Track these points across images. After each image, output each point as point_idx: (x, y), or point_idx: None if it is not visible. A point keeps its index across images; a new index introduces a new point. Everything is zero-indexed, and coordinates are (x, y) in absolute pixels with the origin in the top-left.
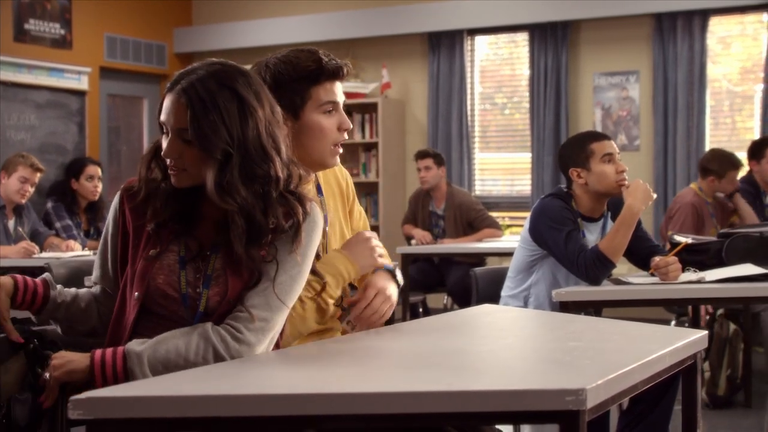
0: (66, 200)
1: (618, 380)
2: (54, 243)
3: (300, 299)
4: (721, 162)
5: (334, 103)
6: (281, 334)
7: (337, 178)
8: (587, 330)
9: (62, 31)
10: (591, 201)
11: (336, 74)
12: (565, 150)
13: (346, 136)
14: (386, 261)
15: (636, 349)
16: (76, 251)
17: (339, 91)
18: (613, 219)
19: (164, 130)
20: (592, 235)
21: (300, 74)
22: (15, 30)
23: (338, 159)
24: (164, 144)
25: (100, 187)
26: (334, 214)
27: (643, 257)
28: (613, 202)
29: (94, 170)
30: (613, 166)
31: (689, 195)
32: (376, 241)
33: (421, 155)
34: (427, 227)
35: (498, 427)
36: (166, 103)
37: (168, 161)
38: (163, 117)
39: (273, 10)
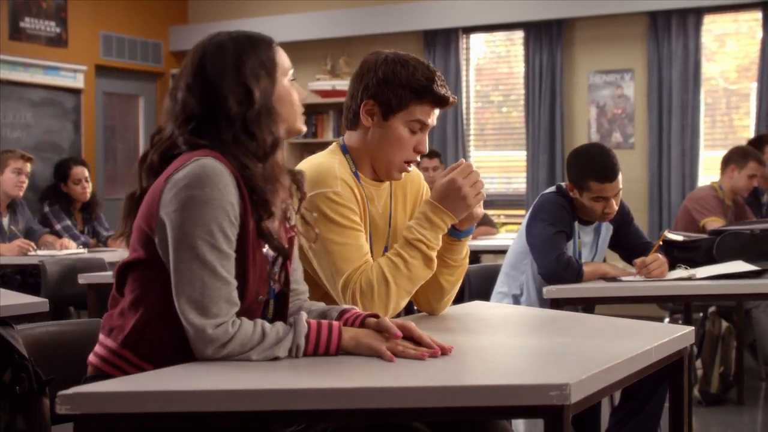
0: (61, 203)
1: (603, 375)
2: (49, 241)
3: (404, 258)
4: (744, 153)
5: (424, 126)
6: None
7: (420, 184)
8: (575, 326)
9: (58, 29)
10: (581, 209)
11: (439, 102)
12: (571, 161)
13: (418, 158)
14: (479, 207)
15: (622, 344)
16: (70, 249)
17: (434, 116)
18: (611, 221)
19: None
20: (587, 237)
21: (409, 83)
22: (10, 28)
23: (403, 176)
24: (300, 90)
25: (89, 188)
26: (400, 216)
27: (635, 254)
28: None
29: (80, 172)
30: (602, 204)
31: (708, 188)
32: (466, 188)
33: (429, 155)
34: None
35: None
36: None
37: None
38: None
39: (268, 9)
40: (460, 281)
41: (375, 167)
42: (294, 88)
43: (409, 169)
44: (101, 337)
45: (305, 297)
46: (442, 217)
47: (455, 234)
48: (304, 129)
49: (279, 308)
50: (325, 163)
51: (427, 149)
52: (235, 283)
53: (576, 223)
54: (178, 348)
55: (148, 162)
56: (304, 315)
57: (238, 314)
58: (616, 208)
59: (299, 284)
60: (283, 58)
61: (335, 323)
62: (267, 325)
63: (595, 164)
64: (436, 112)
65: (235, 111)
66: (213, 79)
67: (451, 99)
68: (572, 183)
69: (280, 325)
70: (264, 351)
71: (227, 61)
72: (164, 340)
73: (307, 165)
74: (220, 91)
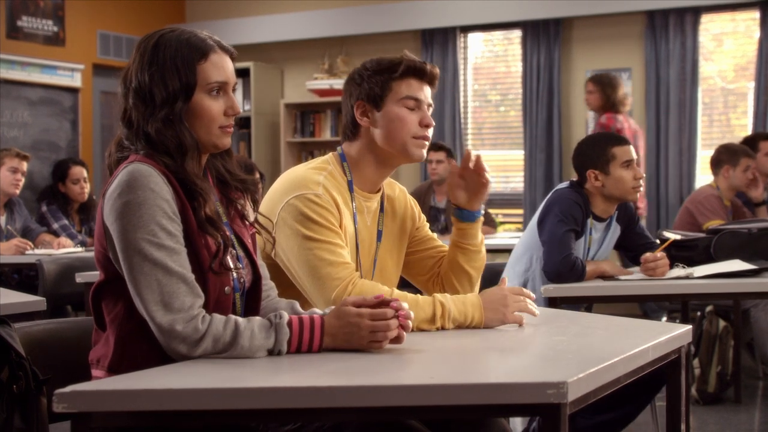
0: (59, 202)
1: (600, 374)
2: (46, 240)
3: (416, 299)
4: (732, 151)
5: (417, 101)
6: None
7: (407, 201)
8: (572, 324)
9: (55, 28)
10: (603, 203)
11: (417, 71)
12: (584, 149)
13: (428, 132)
14: (517, 319)
15: (619, 343)
16: (67, 248)
17: (425, 92)
18: (618, 220)
19: (218, 91)
20: (597, 233)
21: (379, 66)
22: (8, 27)
23: (424, 153)
24: (231, 102)
25: (87, 188)
26: (389, 231)
27: (638, 254)
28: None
29: (79, 172)
30: (631, 172)
31: (709, 189)
32: (513, 301)
33: (434, 148)
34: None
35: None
36: (226, 63)
37: (230, 120)
38: (228, 76)
39: (266, 8)
40: (483, 267)
41: (394, 157)
42: (221, 100)
43: (426, 143)
44: (92, 372)
45: (274, 294)
46: (473, 306)
47: (467, 216)
48: (223, 145)
49: (249, 302)
50: (309, 173)
51: (432, 121)
52: (191, 276)
53: (590, 220)
54: (163, 358)
55: (106, 166)
56: (286, 317)
57: (208, 309)
58: (641, 179)
59: (267, 280)
60: (209, 70)
61: (317, 321)
62: (240, 320)
63: (608, 135)
64: (426, 89)
65: (151, 110)
66: (139, 79)
67: (429, 67)
68: (593, 166)
69: (256, 322)
70: (242, 354)
71: (151, 62)
72: (146, 354)
73: (291, 173)
74: (140, 91)
